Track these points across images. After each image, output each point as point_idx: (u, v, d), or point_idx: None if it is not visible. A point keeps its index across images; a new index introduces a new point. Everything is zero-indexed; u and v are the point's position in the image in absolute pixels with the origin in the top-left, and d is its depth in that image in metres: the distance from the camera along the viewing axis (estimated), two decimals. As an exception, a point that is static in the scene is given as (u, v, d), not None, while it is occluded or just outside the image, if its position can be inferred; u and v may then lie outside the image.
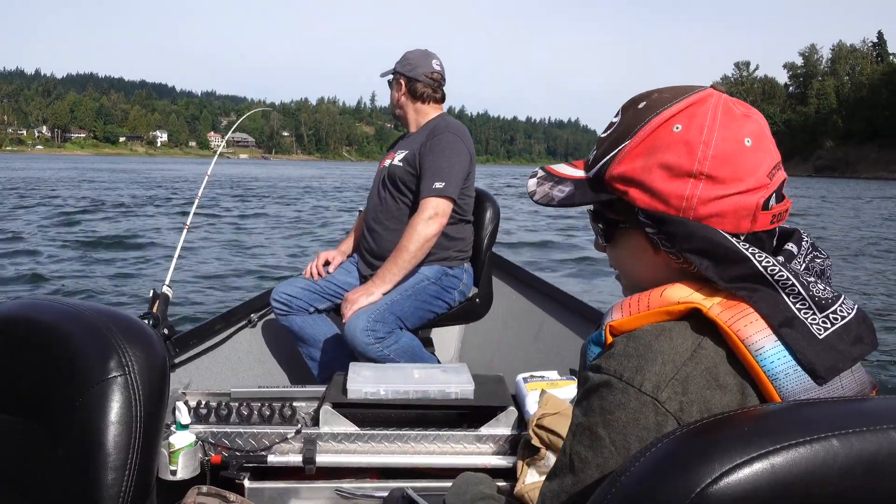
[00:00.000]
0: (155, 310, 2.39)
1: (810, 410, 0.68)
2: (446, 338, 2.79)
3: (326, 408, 1.97)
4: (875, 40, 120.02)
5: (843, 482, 0.61)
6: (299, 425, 1.99)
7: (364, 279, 2.73)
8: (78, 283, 7.30)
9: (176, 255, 2.78)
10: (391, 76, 2.81)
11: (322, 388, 2.15)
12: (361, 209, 3.04)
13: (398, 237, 2.63)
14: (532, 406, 1.93)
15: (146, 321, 2.31)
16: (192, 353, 2.66)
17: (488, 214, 2.88)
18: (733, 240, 0.80)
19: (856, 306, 0.82)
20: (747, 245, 0.81)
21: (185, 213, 3.26)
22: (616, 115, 0.91)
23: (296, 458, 1.94)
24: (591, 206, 0.94)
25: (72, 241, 10.35)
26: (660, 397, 0.76)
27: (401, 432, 1.94)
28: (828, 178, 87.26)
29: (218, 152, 3.78)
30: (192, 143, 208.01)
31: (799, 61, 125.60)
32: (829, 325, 0.78)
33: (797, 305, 0.78)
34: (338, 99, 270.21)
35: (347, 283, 2.76)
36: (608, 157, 0.87)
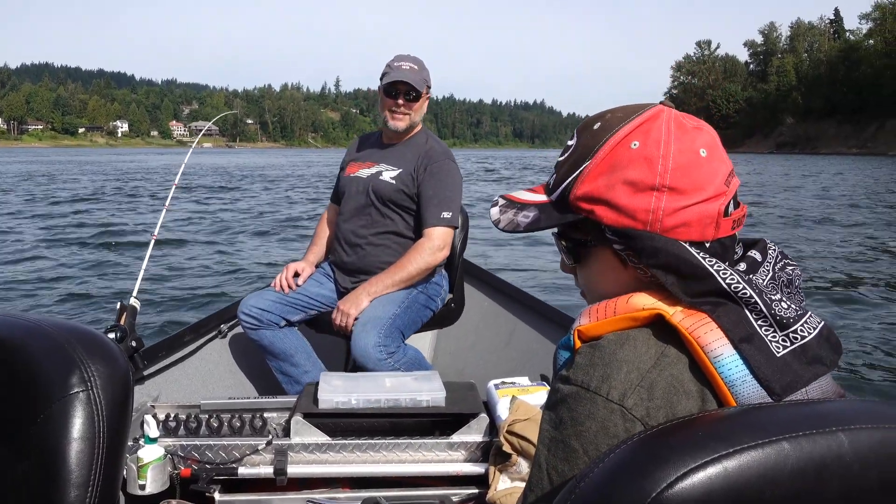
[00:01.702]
0: (122, 322, 2.34)
1: (762, 414, 0.70)
2: (419, 345, 2.79)
3: (297, 418, 1.96)
4: (832, 17, 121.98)
5: (795, 484, 0.62)
6: (270, 436, 1.98)
7: (343, 291, 2.72)
8: (39, 296, 7.10)
9: (143, 267, 2.73)
10: (426, 89, 2.71)
11: (293, 399, 2.14)
12: (325, 208, 3.01)
13: (386, 252, 2.66)
14: (503, 412, 1.94)
15: (113, 334, 2.28)
16: (160, 365, 2.62)
17: (459, 221, 2.88)
18: (699, 255, 0.83)
19: (821, 324, 0.84)
20: (713, 261, 0.83)
21: (153, 224, 3.20)
22: (571, 139, 0.93)
23: (267, 470, 1.93)
24: (556, 229, 0.95)
25: (31, 250, 10.04)
26: (626, 404, 0.78)
27: (373, 441, 1.94)
28: (788, 154, 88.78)
29: (187, 156, 3.67)
30: (154, 133, 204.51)
31: (759, 39, 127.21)
32: (788, 344, 0.80)
33: (758, 322, 0.81)
34: (302, 85, 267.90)
35: (320, 294, 2.74)
36: (570, 179, 0.89)
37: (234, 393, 2.77)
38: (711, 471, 0.60)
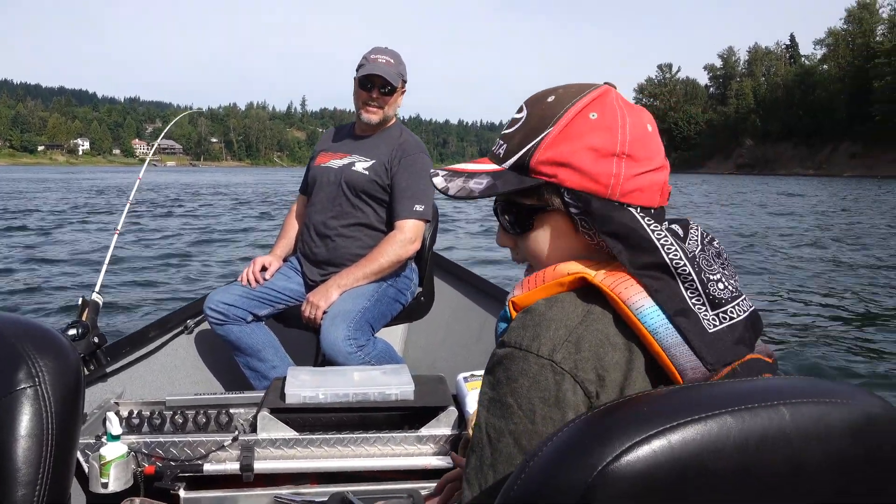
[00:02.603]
0: (84, 318, 2.30)
1: (705, 390, 0.72)
2: (389, 338, 2.79)
3: (264, 413, 1.95)
4: (788, 42, 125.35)
5: (738, 456, 0.64)
6: (236, 432, 1.96)
7: (311, 284, 2.70)
8: None
9: (107, 261, 2.67)
10: (401, 82, 2.70)
11: (260, 394, 2.12)
12: (295, 200, 2.98)
13: (356, 244, 2.64)
14: (472, 405, 1.95)
15: (74, 330, 2.23)
16: (124, 361, 2.58)
17: (430, 214, 2.88)
18: (648, 226, 0.89)
19: (750, 309, 0.91)
20: (662, 233, 0.89)
21: (113, 219, 3.15)
22: (519, 111, 0.98)
23: (233, 466, 1.91)
24: (499, 201, 1.00)
25: None
26: (555, 358, 0.83)
27: (341, 436, 1.93)
28: (748, 175, 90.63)
29: (147, 160, 3.65)
30: (117, 151, 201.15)
31: (718, 63, 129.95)
32: (717, 323, 0.87)
33: (693, 300, 0.87)
34: (267, 104, 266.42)
35: (288, 288, 2.72)
36: (530, 146, 0.94)
37: (200, 389, 2.74)
38: (656, 444, 0.62)
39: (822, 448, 0.67)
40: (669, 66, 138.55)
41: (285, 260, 2.85)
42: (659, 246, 0.88)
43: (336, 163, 2.72)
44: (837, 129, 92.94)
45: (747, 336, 0.89)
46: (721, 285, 0.89)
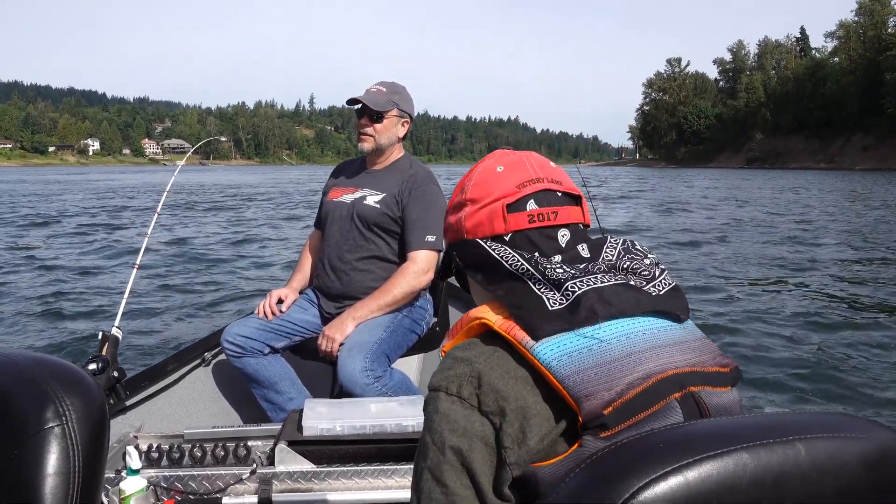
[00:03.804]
0: (104, 352, 2.32)
1: (721, 425, 0.72)
2: (405, 369, 2.79)
3: (282, 446, 1.96)
4: (798, 35, 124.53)
5: (754, 492, 0.64)
6: (254, 465, 1.97)
7: (327, 316, 2.71)
8: (15, 328, 6.96)
9: (126, 296, 2.70)
10: (395, 110, 2.69)
11: (278, 427, 2.13)
12: (309, 234, 3.00)
13: (370, 277, 2.65)
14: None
15: (95, 365, 2.25)
16: (143, 395, 2.60)
17: (442, 244, 2.88)
18: (491, 248, 1.02)
19: (611, 281, 0.95)
20: (504, 250, 1.00)
21: (136, 251, 3.16)
22: None
23: (251, 499, 1.92)
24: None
25: (11, 279, 9.84)
26: (462, 394, 0.90)
27: (358, 468, 1.94)
28: (758, 169, 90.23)
29: (171, 181, 3.62)
30: (127, 151, 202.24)
31: (728, 57, 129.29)
32: (562, 300, 0.93)
33: (540, 289, 0.95)
34: (276, 102, 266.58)
35: (304, 320, 2.73)
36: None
37: (218, 421, 2.75)
38: (672, 481, 0.62)
39: (837, 483, 0.67)
40: (679, 60, 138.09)
41: (301, 292, 2.87)
42: (497, 257, 1.00)
43: (348, 197, 2.73)
44: (849, 121, 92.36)
45: (623, 295, 0.93)
46: (560, 269, 0.95)
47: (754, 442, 0.65)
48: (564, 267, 0.96)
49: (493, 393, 0.88)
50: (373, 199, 2.68)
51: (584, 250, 1.02)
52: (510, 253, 0.99)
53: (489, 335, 0.95)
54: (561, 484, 0.68)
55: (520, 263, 0.97)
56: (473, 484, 0.86)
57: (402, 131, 2.74)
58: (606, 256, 1.00)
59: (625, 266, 0.99)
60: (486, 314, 0.97)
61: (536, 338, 0.89)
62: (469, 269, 1.04)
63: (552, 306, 0.92)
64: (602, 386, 0.84)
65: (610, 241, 1.03)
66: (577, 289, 0.93)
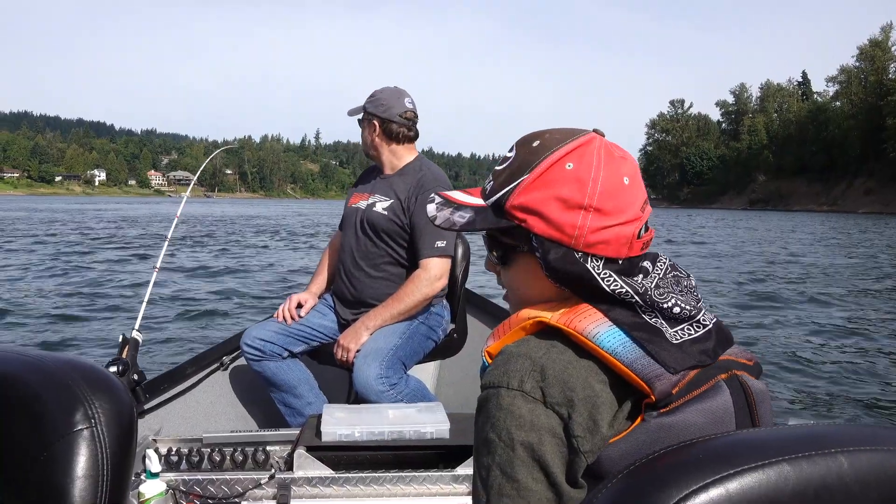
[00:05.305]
0: (124, 356, 2.34)
1: (762, 437, 0.72)
2: (422, 376, 2.79)
3: (300, 451, 1.96)
4: (800, 79, 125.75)
5: None
6: (273, 470, 1.97)
7: (343, 322, 2.72)
8: (40, 331, 6.95)
9: (146, 299, 2.72)
10: (360, 115, 2.75)
11: (296, 432, 2.13)
12: (330, 239, 3.02)
13: (382, 285, 2.66)
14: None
15: (115, 368, 2.27)
16: (162, 398, 2.61)
17: (460, 251, 2.88)
18: (601, 279, 0.94)
19: (713, 321, 0.98)
20: (612, 280, 0.94)
21: (148, 257, 3.19)
22: (511, 150, 1.03)
23: None
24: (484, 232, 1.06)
25: (33, 287, 9.89)
26: (524, 388, 0.89)
27: (376, 474, 1.94)
28: (761, 211, 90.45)
29: (188, 191, 3.69)
30: (132, 182, 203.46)
31: (730, 99, 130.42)
32: (681, 336, 0.93)
33: (652, 319, 0.93)
34: (282, 136, 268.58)
35: (322, 325, 2.75)
36: (508, 189, 0.99)
37: (236, 425, 2.76)
38: (713, 492, 0.61)
39: (881, 496, 0.66)
40: (682, 101, 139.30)
41: (320, 297, 2.88)
42: (609, 292, 0.93)
43: (362, 203, 2.75)
44: (851, 165, 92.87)
45: (711, 346, 0.94)
46: (677, 308, 0.94)
47: (796, 454, 0.64)
48: (679, 305, 0.94)
49: (559, 384, 0.89)
50: (381, 205, 2.69)
51: (647, 264, 1.00)
52: (620, 286, 0.93)
53: (546, 332, 0.95)
54: (598, 495, 0.67)
55: (625, 292, 0.93)
56: (546, 476, 0.87)
57: (374, 133, 2.72)
58: (659, 273, 0.98)
59: (671, 281, 0.99)
60: (541, 313, 0.96)
61: (669, 370, 0.89)
62: (558, 281, 0.97)
63: (674, 340, 0.92)
64: (667, 365, 0.89)
65: (660, 258, 1.02)
66: (693, 332, 0.94)
